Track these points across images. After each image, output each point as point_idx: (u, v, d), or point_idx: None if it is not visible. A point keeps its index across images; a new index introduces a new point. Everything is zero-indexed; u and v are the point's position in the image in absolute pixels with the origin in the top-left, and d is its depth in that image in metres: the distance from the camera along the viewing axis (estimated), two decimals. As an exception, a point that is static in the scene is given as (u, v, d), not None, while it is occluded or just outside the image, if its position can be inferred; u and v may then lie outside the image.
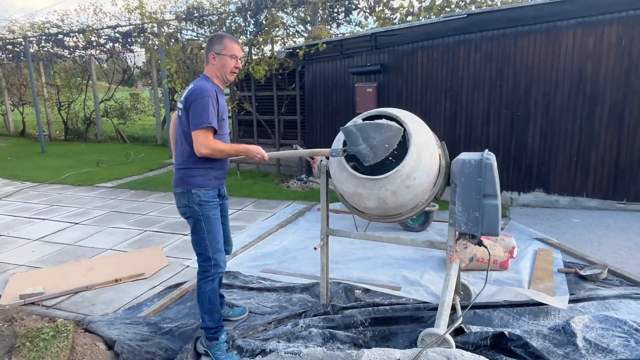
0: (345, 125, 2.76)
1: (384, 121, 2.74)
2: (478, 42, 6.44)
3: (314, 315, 3.54)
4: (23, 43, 14.19)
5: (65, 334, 2.67)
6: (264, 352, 3.15)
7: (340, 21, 10.76)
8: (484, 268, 4.34)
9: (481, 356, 2.22)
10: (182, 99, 2.93)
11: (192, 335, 3.25)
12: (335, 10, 10.51)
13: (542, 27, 6.02)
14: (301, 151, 3.25)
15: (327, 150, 2.97)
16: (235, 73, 3.04)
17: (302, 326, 3.37)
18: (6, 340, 2.68)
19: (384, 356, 2.18)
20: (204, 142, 2.75)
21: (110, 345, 2.96)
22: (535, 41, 6.10)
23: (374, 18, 9.58)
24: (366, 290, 4.06)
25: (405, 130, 2.81)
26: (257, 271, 4.57)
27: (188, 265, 4.77)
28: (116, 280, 4.43)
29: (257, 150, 2.95)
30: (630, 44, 5.62)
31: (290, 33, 10.54)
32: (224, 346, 3.02)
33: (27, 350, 2.53)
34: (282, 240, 5.46)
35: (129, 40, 12.99)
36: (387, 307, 3.62)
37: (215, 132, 2.83)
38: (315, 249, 3.53)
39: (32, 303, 3.95)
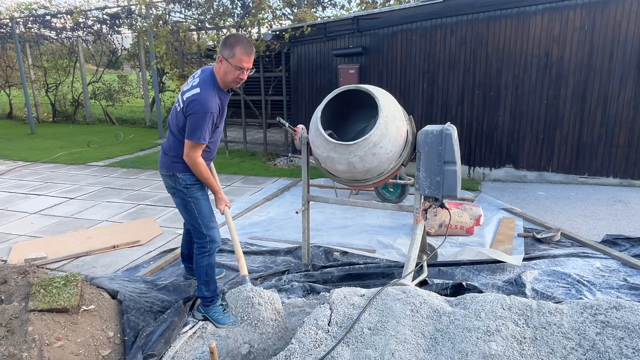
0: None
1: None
2: (453, 26, 6.79)
3: (296, 272, 3.95)
4: (10, 24, 14.14)
5: (75, 283, 3.03)
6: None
7: (325, 4, 11.01)
8: (451, 234, 4.79)
9: (432, 292, 2.63)
10: (184, 96, 2.91)
11: (186, 289, 3.62)
12: (321, -7, 10.76)
13: (512, 12, 6.39)
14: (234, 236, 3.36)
15: None
16: (239, 83, 2.95)
17: (285, 281, 3.79)
18: (22, 289, 3.03)
19: (351, 292, 2.58)
20: (190, 154, 2.90)
21: (113, 295, 3.33)
22: (506, 25, 6.47)
23: (357, 1, 9.86)
24: (344, 253, 4.48)
25: (376, 103, 3.18)
26: (245, 238, 4.95)
27: (180, 234, 5.11)
28: (114, 247, 4.79)
29: (224, 200, 3.23)
30: (593, 29, 6.03)
31: (277, 16, 10.76)
32: (219, 308, 3.28)
33: (41, 296, 2.89)
34: (269, 212, 5.84)
35: (117, 22, 13.05)
36: (362, 266, 4.05)
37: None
38: (297, 212, 3.92)
39: (37, 266, 4.29)
